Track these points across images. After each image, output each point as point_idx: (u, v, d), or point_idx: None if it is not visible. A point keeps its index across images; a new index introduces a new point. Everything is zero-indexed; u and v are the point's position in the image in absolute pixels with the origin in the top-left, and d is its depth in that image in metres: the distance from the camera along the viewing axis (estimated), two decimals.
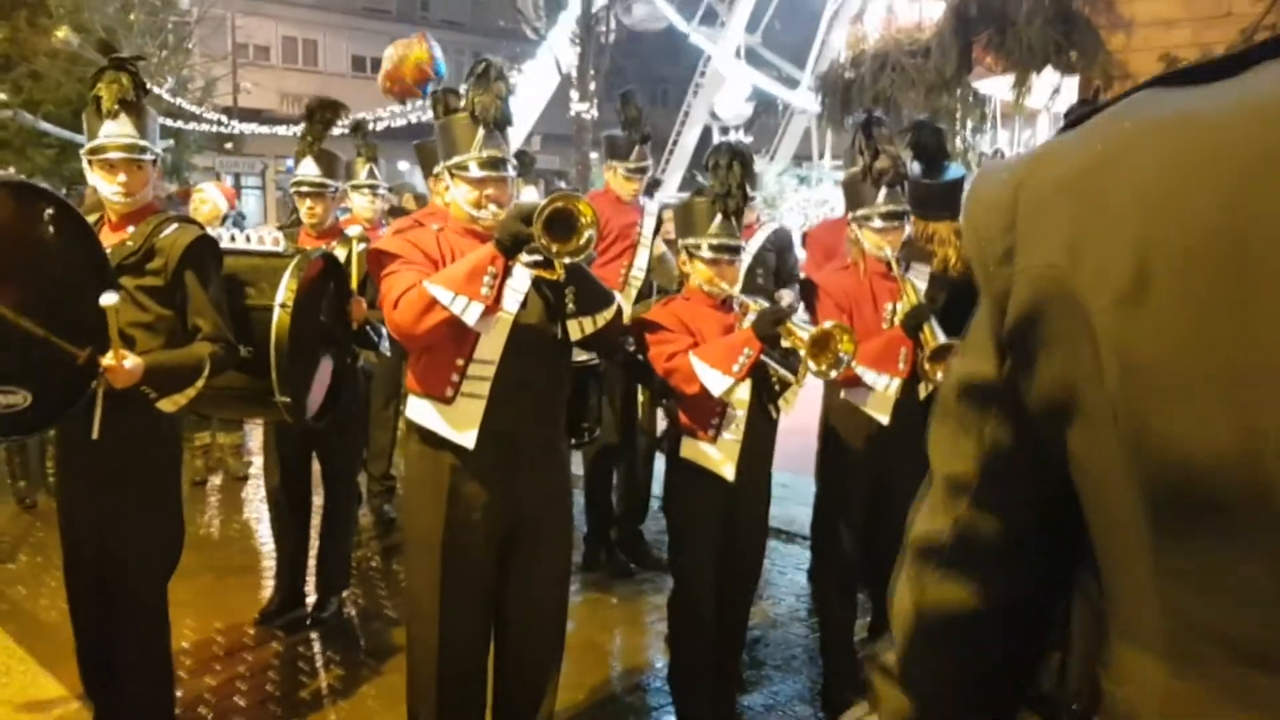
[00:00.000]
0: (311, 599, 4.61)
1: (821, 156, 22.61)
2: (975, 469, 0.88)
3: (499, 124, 3.04)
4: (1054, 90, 5.42)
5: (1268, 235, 0.64)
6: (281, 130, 21.31)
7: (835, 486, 3.75)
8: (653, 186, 6.15)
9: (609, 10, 16.51)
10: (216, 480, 6.66)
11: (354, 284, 4.32)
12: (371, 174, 5.60)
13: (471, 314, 2.79)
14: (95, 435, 3.02)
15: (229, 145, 26.03)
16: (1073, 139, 0.81)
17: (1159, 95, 0.76)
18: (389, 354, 4.70)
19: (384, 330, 4.50)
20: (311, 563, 4.66)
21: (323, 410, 4.10)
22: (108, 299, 2.86)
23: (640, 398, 5.02)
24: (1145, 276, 0.70)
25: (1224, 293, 0.66)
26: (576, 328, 3.02)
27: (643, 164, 4.94)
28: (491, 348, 2.96)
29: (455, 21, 34.97)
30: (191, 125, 17.71)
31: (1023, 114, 5.72)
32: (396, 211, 7.69)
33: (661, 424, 5.48)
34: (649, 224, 5.03)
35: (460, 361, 2.97)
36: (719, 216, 3.32)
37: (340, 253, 4.34)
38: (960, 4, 5.18)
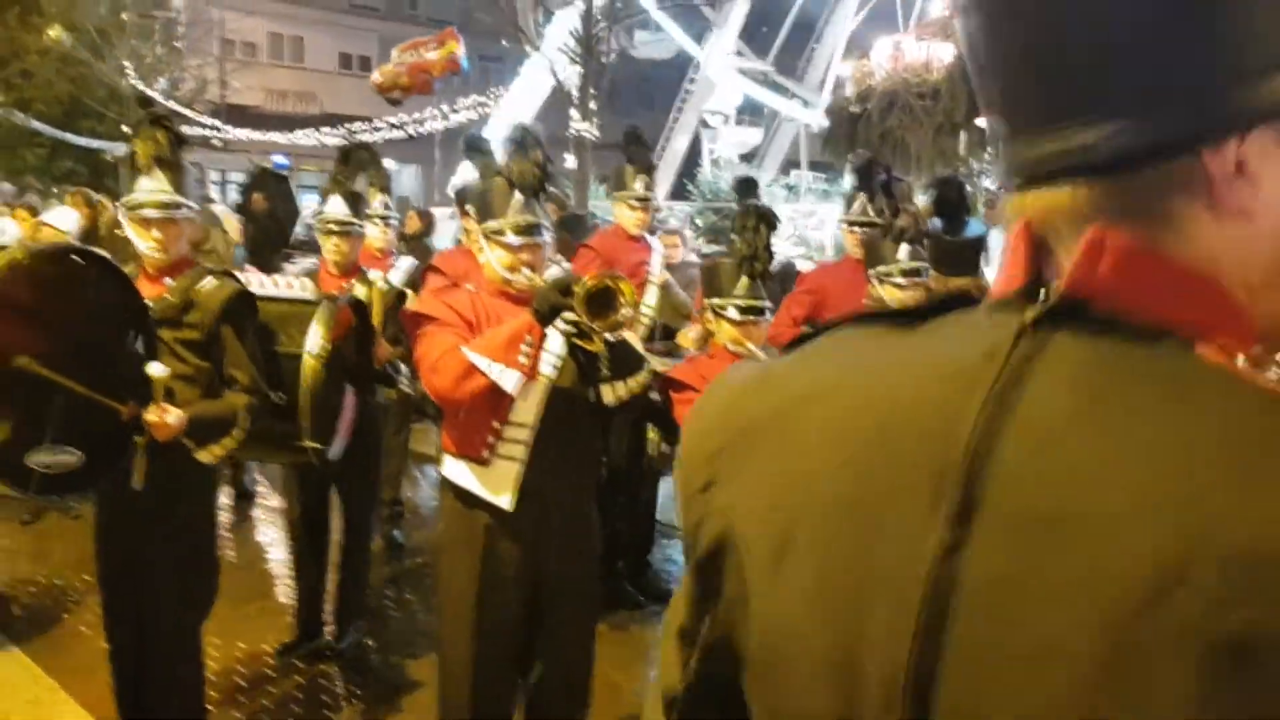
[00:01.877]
0: (329, 628, 4.69)
1: (810, 168, 22.76)
2: (682, 689, 0.87)
3: (535, 191, 3.12)
4: None
5: (870, 520, 0.67)
6: (277, 137, 21.20)
7: None
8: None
9: (610, 30, 16.53)
10: (224, 499, 6.71)
11: (377, 321, 4.40)
12: (385, 205, 5.66)
13: (509, 381, 2.88)
14: (138, 485, 3.10)
15: (216, 143, 25.97)
16: (780, 367, 0.82)
17: (848, 340, 0.79)
18: (409, 390, 4.77)
19: (403, 367, 4.59)
20: (328, 591, 4.75)
21: (345, 449, 4.18)
22: (156, 370, 2.94)
23: (650, 434, 5.10)
24: (785, 545, 0.72)
25: (840, 572, 0.68)
26: (610, 392, 3.11)
27: (647, 195, 5.02)
28: (527, 411, 3.05)
29: (444, 20, 34.80)
30: (184, 129, 17.63)
31: None
32: (407, 239, 7.77)
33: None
34: (657, 261, 5.11)
35: (496, 424, 3.06)
36: (745, 278, 3.41)
37: (360, 290, 4.42)
38: None
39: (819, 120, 20.44)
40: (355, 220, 4.54)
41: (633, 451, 5.12)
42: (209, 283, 3.34)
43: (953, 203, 4.18)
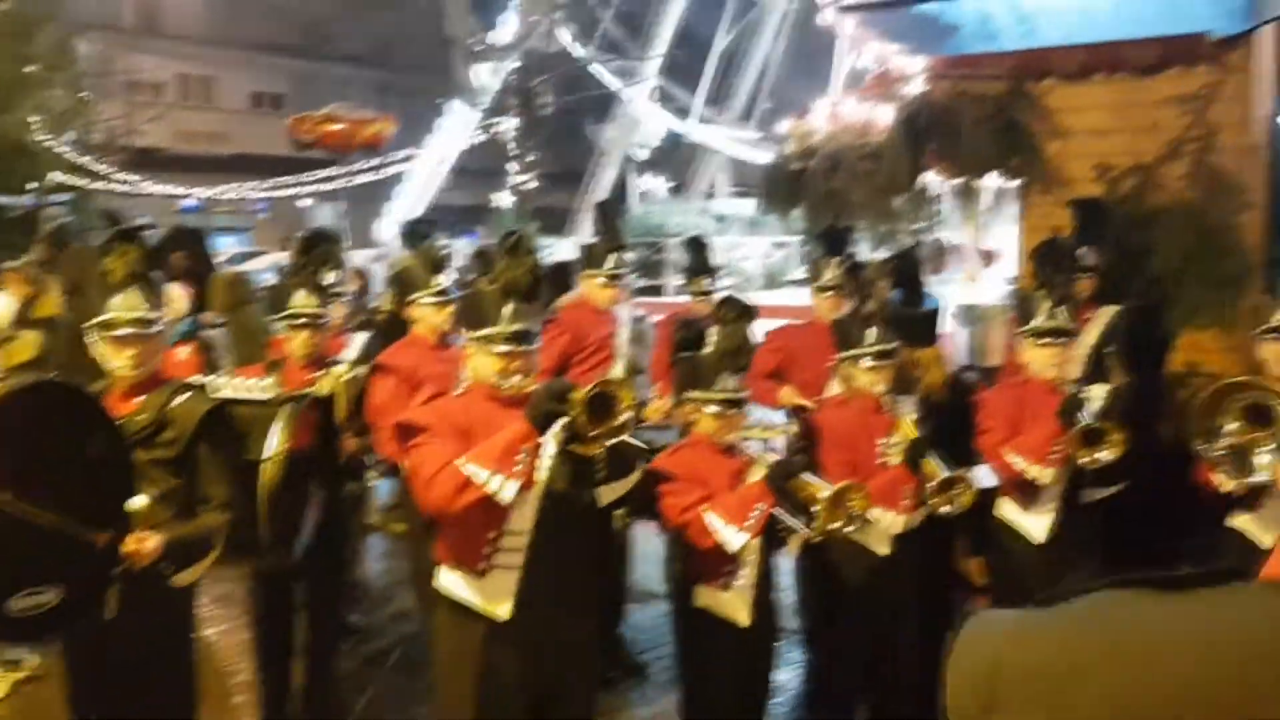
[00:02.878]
0: None
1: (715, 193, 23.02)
2: None
3: (527, 296, 3.12)
4: (997, 192, 5.74)
5: None
6: (200, 191, 20.68)
7: (836, 616, 3.90)
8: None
9: (548, 82, 16.58)
10: None
11: (342, 414, 4.33)
12: (337, 279, 5.57)
13: (508, 491, 2.87)
14: (111, 614, 3.01)
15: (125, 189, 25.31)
16: (1049, 623, 0.90)
17: (1125, 604, 0.87)
18: (373, 485, 4.69)
19: (368, 460, 4.53)
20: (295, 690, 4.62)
21: (307, 550, 4.10)
22: (137, 503, 2.87)
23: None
24: None
25: None
26: (607, 493, 3.13)
27: (619, 272, 5.04)
28: (524, 518, 3.04)
29: (360, 56, 34.58)
30: (99, 185, 17.15)
31: (970, 217, 6.05)
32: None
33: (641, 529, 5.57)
34: (624, 333, 5.12)
35: (492, 534, 3.04)
36: (726, 374, 3.44)
37: (326, 383, 4.36)
38: (911, 115, 5.44)
39: (745, 152, 20.80)
40: (324, 312, 4.45)
41: (602, 527, 5.10)
42: (183, 399, 3.27)
43: (910, 276, 4.30)
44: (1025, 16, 5.38)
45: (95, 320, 3.21)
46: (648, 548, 5.76)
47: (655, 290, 17.45)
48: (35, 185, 16.53)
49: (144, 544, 2.95)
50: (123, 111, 22.18)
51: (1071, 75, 5.38)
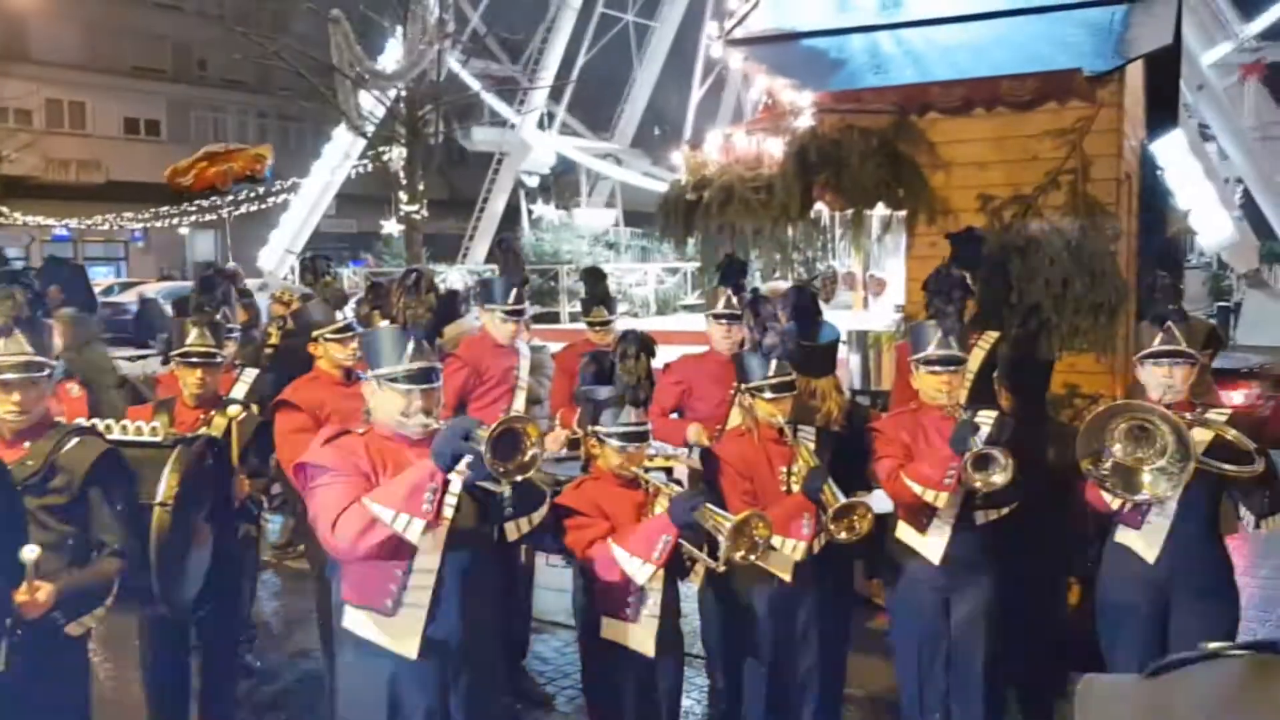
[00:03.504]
0: None
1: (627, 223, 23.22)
2: None
3: (429, 334, 3.10)
4: (885, 224, 5.92)
5: None
6: (73, 222, 19.89)
7: (740, 642, 3.95)
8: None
9: (436, 113, 16.44)
10: None
11: (235, 456, 4.22)
12: (226, 317, 5.43)
13: (414, 531, 2.84)
14: (3, 666, 2.88)
15: None
16: (1191, 702, 0.87)
17: (1244, 681, 0.86)
18: (269, 524, 4.58)
19: (264, 501, 4.42)
20: None
21: (201, 593, 3.97)
22: (28, 554, 2.77)
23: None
24: None
25: None
26: (514, 529, 3.12)
27: (519, 307, 5.03)
28: (430, 556, 3.01)
29: (238, 81, 33.81)
30: None
31: (858, 246, 6.23)
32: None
33: (542, 559, 5.56)
34: (525, 366, 5.11)
35: (399, 572, 3.00)
36: (628, 407, 3.47)
37: (219, 423, 4.25)
38: (800, 149, 5.58)
39: (633, 178, 21.03)
40: (219, 350, 4.34)
41: (507, 560, 5.07)
42: (73, 443, 3.17)
43: (807, 308, 4.41)
44: (911, 52, 5.57)
45: None
46: (551, 578, 5.77)
47: (550, 318, 17.42)
48: None
49: (36, 594, 2.86)
50: None
51: (953, 109, 5.58)
